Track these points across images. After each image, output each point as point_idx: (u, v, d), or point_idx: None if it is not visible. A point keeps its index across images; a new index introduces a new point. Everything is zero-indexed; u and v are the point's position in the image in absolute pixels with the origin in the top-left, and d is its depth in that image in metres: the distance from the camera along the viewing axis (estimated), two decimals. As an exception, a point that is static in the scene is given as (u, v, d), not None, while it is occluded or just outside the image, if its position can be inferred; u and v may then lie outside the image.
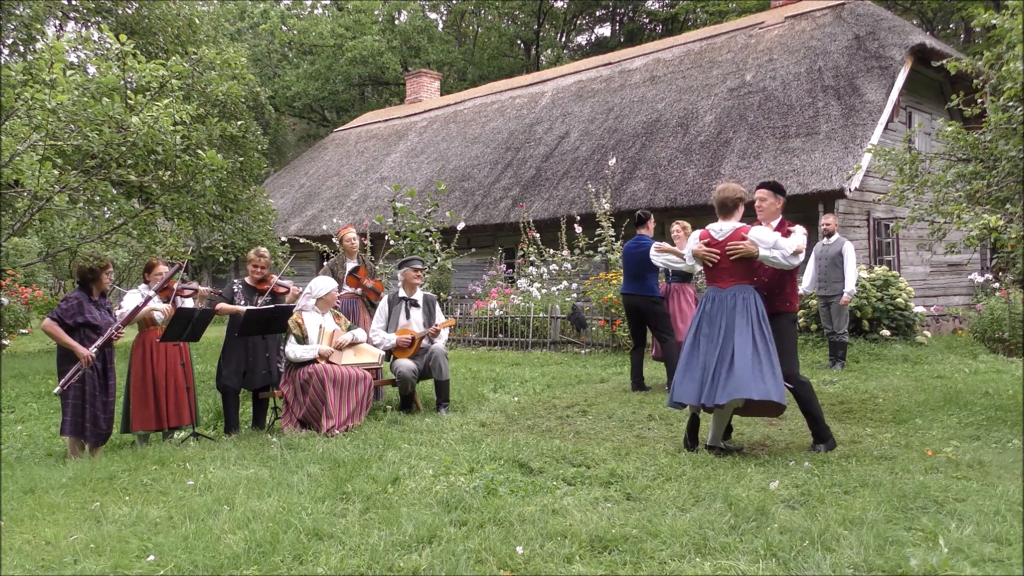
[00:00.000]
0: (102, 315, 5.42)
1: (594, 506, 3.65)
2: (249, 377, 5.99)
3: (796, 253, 4.47)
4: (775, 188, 4.88)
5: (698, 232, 4.86)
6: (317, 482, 4.13)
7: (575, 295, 11.79)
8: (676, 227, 7.38)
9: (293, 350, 5.69)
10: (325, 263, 7.67)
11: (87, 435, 5.36)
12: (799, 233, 4.61)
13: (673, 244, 6.97)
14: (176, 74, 6.42)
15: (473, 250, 14.57)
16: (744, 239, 4.55)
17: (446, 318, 6.86)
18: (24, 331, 14.82)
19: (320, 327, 5.92)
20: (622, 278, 7.60)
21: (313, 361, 5.72)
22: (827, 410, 6.00)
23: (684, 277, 7.45)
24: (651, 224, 7.41)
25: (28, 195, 5.46)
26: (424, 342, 6.52)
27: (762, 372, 4.34)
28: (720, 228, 4.69)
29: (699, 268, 5.83)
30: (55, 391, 5.26)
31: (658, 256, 6.45)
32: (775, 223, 4.81)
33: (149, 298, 5.54)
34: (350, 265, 7.16)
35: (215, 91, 8.57)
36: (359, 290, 7.12)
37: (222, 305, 6.01)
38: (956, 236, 6.90)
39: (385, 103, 34.86)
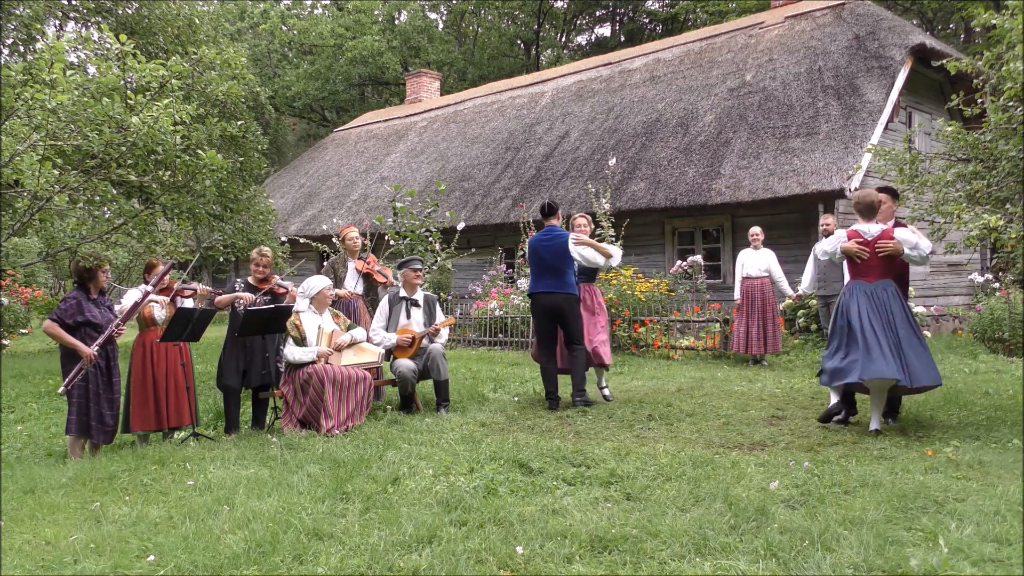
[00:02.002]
0: (102, 313, 5.44)
1: (594, 506, 3.65)
2: (247, 375, 5.99)
3: (931, 253, 5.17)
4: (891, 192, 5.51)
5: (844, 231, 5.41)
6: (317, 482, 4.13)
7: (575, 295, 11.77)
8: (583, 220, 6.83)
9: (292, 352, 5.69)
10: (325, 263, 7.68)
11: (93, 433, 5.38)
12: (921, 234, 5.21)
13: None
14: (176, 74, 6.41)
15: (473, 250, 14.57)
16: (892, 239, 5.15)
17: (446, 317, 6.87)
18: (24, 331, 14.82)
19: (319, 328, 5.91)
20: (530, 277, 6.76)
21: (313, 362, 5.72)
22: (827, 410, 5.99)
23: (590, 276, 6.88)
24: (560, 216, 6.80)
25: (28, 195, 5.45)
26: (424, 341, 6.52)
27: (930, 361, 4.99)
28: (867, 229, 5.26)
29: (615, 264, 6.73)
30: (59, 391, 5.27)
31: (579, 250, 6.59)
32: (891, 223, 5.38)
33: (147, 293, 5.55)
34: (351, 264, 7.16)
35: (215, 91, 8.56)
36: (365, 273, 7.13)
37: (221, 297, 6.02)
38: (956, 236, 6.90)
39: (385, 103, 34.86)
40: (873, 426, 5.13)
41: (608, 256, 6.59)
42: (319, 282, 6.02)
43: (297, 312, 5.87)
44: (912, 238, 5.11)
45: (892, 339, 4.98)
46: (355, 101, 35.97)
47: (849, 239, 5.28)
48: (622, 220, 12.00)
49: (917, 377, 4.93)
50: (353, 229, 7.25)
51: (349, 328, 6.14)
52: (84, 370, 5.24)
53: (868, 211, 5.30)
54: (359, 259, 7.18)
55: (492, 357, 10.41)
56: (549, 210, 6.67)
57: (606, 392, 6.86)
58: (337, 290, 6.86)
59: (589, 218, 6.94)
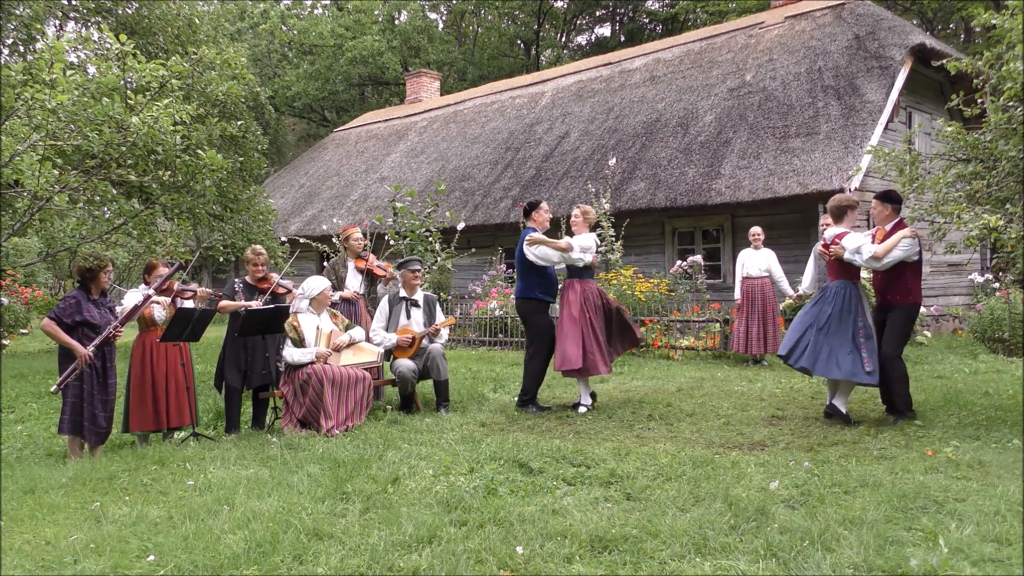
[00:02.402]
0: (102, 314, 5.42)
1: (594, 506, 3.65)
2: (248, 375, 5.99)
3: (875, 257, 5.21)
4: (884, 197, 5.59)
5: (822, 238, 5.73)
6: (317, 482, 4.13)
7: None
8: (576, 211, 6.32)
9: (290, 354, 5.68)
10: (326, 263, 7.67)
11: (85, 433, 5.37)
12: (896, 237, 5.28)
13: (571, 233, 6.17)
14: (176, 74, 6.41)
15: (473, 250, 14.57)
16: (836, 244, 5.41)
17: (446, 317, 6.86)
18: (24, 331, 14.82)
19: (318, 328, 5.91)
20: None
21: (312, 362, 5.72)
22: (827, 410, 6.00)
23: (574, 272, 6.25)
24: (540, 215, 6.27)
25: (28, 195, 5.45)
26: (424, 342, 6.52)
27: (852, 359, 5.24)
28: (829, 233, 5.58)
29: (576, 255, 6.12)
30: (52, 389, 5.27)
31: (531, 250, 6.15)
32: (890, 226, 5.49)
33: (148, 296, 5.54)
34: (352, 264, 7.16)
35: (215, 91, 8.57)
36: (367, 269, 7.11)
37: (225, 303, 6.01)
38: (956, 236, 6.89)
39: (385, 103, 34.86)
40: (835, 403, 5.47)
41: (563, 250, 6.00)
42: (319, 283, 6.01)
43: (295, 313, 5.87)
44: (853, 244, 5.32)
45: (814, 332, 5.44)
46: (355, 101, 35.96)
47: (821, 243, 5.69)
48: (622, 220, 12.01)
49: (820, 369, 5.37)
50: (356, 229, 7.23)
51: (347, 328, 6.14)
52: (79, 370, 5.23)
53: (833, 215, 5.69)
54: (359, 258, 7.18)
55: (492, 357, 10.41)
56: (524, 213, 6.46)
57: (580, 408, 6.19)
58: (342, 292, 6.86)
59: (584, 208, 6.32)
